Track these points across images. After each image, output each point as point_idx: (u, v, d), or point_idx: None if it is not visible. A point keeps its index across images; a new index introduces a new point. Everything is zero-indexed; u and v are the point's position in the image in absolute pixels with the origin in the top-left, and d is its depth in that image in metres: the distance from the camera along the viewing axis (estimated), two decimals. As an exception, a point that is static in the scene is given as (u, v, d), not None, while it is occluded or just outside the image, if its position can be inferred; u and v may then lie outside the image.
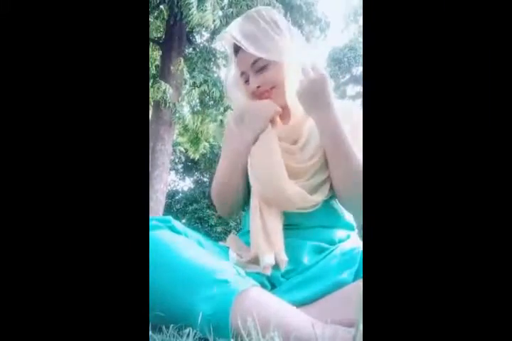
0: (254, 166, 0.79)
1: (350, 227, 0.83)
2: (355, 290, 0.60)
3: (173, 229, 0.69)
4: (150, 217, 0.64)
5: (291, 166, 0.76)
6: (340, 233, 0.80)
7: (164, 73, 5.21)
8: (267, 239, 0.72)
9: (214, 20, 4.59)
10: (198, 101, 5.56)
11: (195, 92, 5.30)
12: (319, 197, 0.76)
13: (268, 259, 0.69)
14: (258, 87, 0.81)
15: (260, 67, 0.80)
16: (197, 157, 7.05)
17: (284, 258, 0.69)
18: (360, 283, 0.62)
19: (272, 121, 0.81)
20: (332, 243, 0.77)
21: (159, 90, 4.83)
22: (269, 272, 0.69)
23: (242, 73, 0.83)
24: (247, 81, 0.83)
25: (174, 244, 0.64)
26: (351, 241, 0.79)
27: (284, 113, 0.83)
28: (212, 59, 5.81)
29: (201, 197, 9.21)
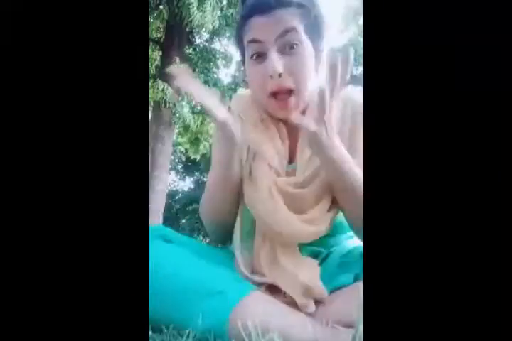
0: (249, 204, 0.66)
1: (350, 234, 0.80)
2: (355, 291, 0.60)
3: (165, 237, 0.66)
4: None
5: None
6: (339, 238, 0.78)
7: (164, 73, 5.21)
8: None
9: (213, 21, 4.59)
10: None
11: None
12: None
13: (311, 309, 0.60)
14: (280, 74, 0.59)
15: (289, 43, 0.59)
16: (197, 157, 7.04)
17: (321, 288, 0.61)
18: (360, 284, 0.61)
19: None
20: (328, 247, 0.75)
21: (159, 90, 4.83)
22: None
23: (254, 41, 0.60)
24: (257, 56, 0.61)
25: (166, 256, 0.60)
26: (351, 242, 0.78)
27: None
28: (212, 59, 5.81)
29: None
